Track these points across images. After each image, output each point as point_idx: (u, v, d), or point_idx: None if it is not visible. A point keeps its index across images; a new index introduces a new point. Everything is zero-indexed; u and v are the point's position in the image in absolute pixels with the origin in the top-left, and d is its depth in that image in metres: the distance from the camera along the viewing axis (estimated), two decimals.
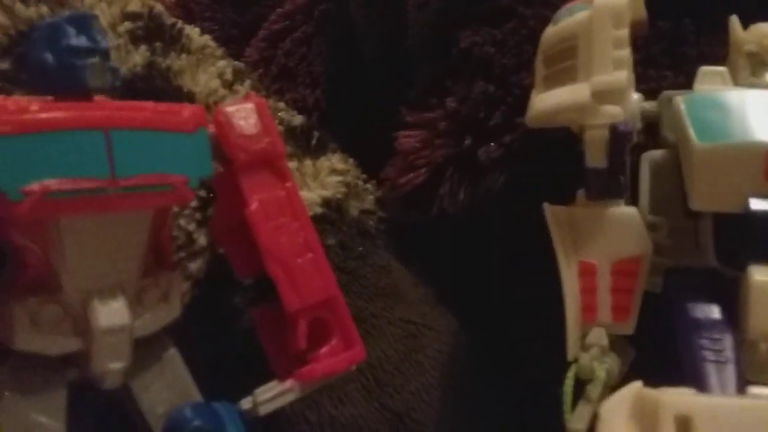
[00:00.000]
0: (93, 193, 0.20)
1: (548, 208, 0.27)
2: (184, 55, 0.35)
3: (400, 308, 0.32)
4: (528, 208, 0.33)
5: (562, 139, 0.31)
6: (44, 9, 0.31)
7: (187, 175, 0.22)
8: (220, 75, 0.36)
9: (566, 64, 0.26)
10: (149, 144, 0.22)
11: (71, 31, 0.21)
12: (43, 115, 0.20)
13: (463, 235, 0.36)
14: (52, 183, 0.19)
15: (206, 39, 0.38)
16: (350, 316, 0.26)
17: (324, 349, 0.25)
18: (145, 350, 0.23)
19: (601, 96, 0.25)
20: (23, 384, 0.21)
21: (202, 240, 0.30)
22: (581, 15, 0.25)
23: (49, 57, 0.21)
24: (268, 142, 0.25)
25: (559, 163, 0.32)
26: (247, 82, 0.37)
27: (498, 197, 0.34)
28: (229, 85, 0.36)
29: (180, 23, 0.37)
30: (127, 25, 0.33)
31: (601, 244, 0.27)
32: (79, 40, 0.21)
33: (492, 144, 0.32)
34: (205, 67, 0.36)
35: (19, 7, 0.30)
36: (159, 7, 0.36)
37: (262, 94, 0.38)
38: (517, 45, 0.33)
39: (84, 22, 0.21)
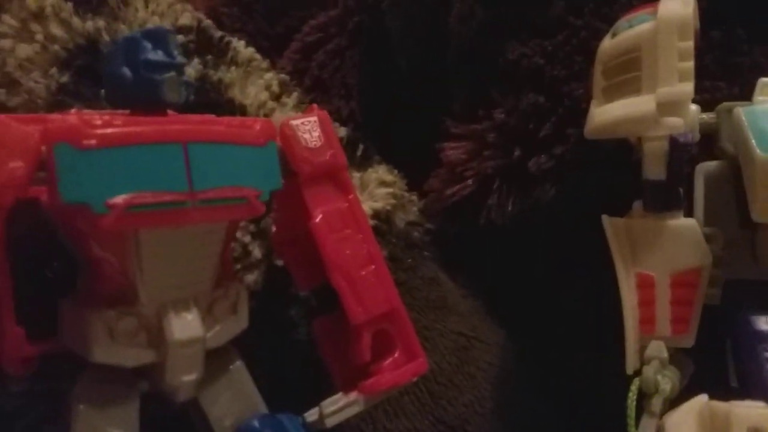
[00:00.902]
0: (172, 206, 0.20)
1: (607, 220, 0.27)
2: (233, 68, 0.35)
3: (452, 320, 0.32)
4: (577, 218, 0.33)
5: (614, 150, 0.31)
6: (101, 23, 0.31)
7: (259, 188, 0.22)
8: (268, 87, 0.36)
9: (628, 75, 0.26)
10: (224, 157, 0.22)
11: (148, 45, 0.21)
12: (127, 129, 0.20)
13: (510, 246, 0.36)
14: (135, 196, 0.20)
15: (252, 51, 0.38)
16: (412, 327, 0.26)
17: (387, 362, 0.25)
18: (213, 362, 0.23)
19: (666, 108, 0.25)
20: (98, 397, 0.21)
21: (257, 252, 0.30)
22: (644, 27, 0.26)
23: (126, 71, 0.21)
24: (332, 155, 0.25)
25: (611, 174, 0.32)
26: (294, 95, 0.37)
27: (546, 208, 0.34)
28: (276, 98, 0.36)
29: (227, 36, 0.37)
30: (180, 38, 0.34)
31: (660, 256, 0.27)
32: (156, 55, 0.21)
33: (543, 155, 0.32)
34: (253, 79, 0.36)
35: (76, 21, 0.31)
36: (207, 20, 0.37)
37: (304, 108, 0.38)
38: (567, 56, 0.33)
39: (160, 37, 0.22)
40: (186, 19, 0.35)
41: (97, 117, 0.20)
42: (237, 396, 0.24)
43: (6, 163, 0.19)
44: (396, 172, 0.38)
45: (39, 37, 0.29)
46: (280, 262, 0.30)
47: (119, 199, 0.19)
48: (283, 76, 0.39)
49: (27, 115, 0.21)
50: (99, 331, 0.21)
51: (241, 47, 0.37)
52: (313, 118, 0.26)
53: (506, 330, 0.35)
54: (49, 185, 0.19)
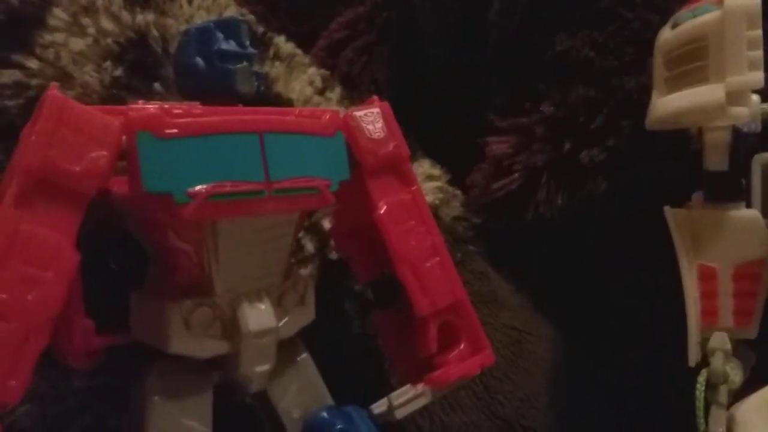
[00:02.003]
0: (250, 195, 0.20)
1: (669, 211, 0.27)
2: (277, 63, 0.35)
3: (504, 315, 0.32)
4: (630, 211, 0.33)
5: (671, 142, 0.31)
6: (150, 17, 0.31)
7: (329, 179, 0.22)
8: (311, 82, 0.36)
9: (693, 65, 0.26)
10: (297, 147, 0.22)
11: (220, 35, 0.21)
12: (206, 119, 0.20)
13: (557, 240, 0.35)
14: (215, 185, 0.19)
15: (293, 46, 0.38)
16: (477, 319, 0.26)
17: (453, 354, 0.25)
18: (281, 354, 0.23)
19: (734, 97, 0.25)
20: (172, 388, 0.21)
21: (309, 246, 0.30)
22: (709, 16, 0.25)
23: (200, 62, 0.21)
24: (395, 146, 0.25)
25: (666, 165, 0.31)
26: (337, 89, 0.37)
27: (597, 200, 0.33)
28: (320, 92, 0.36)
29: (269, 31, 0.37)
30: None
31: (722, 248, 0.27)
32: (229, 45, 0.21)
33: (596, 148, 0.32)
34: (296, 74, 0.36)
35: (125, 15, 0.30)
36: (250, 15, 0.37)
37: (347, 102, 0.38)
38: (619, 48, 0.33)
39: (232, 27, 0.22)
40: (230, 12, 0.35)
41: (176, 106, 0.20)
42: (304, 388, 0.24)
43: (89, 153, 0.19)
44: (439, 166, 0.38)
45: (91, 30, 0.29)
46: (333, 256, 0.30)
47: (200, 188, 0.19)
48: (324, 71, 0.39)
49: (104, 105, 0.21)
50: (175, 322, 0.21)
51: (282, 42, 0.37)
52: (376, 110, 0.25)
53: (555, 325, 0.34)
54: (131, 175, 0.19)
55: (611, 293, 0.34)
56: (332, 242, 0.30)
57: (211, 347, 0.21)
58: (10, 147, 0.26)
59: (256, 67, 0.22)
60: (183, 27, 0.32)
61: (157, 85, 0.29)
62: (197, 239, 0.21)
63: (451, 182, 0.39)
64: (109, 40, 0.29)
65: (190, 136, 0.19)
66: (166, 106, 0.20)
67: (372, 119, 0.25)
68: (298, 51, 0.38)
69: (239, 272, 0.21)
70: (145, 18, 0.30)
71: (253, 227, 0.21)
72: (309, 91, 0.35)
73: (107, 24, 0.30)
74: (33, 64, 0.27)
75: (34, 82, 0.27)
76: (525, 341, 0.32)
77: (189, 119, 0.20)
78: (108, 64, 0.28)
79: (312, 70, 0.37)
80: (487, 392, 0.30)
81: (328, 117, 0.23)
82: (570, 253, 0.35)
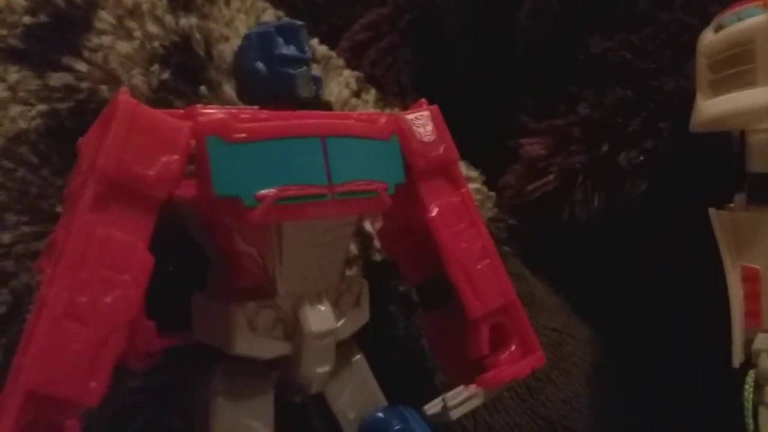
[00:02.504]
0: (314, 199, 0.20)
1: (714, 213, 0.27)
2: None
3: (544, 316, 0.32)
4: (667, 212, 0.33)
5: (708, 144, 0.31)
6: (193, 20, 0.31)
7: (386, 182, 0.23)
8: (347, 84, 0.36)
9: (739, 69, 0.26)
10: (357, 151, 0.22)
11: (281, 40, 0.22)
12: (272, 123, 0.20)
13: (593, 242, 0.35)
14: (282, 189, 0.20)
15: (326, 48, 0.38)
16: (528, 321, 0.26)
17: (504, 355, 0.25)
18: (337, 355, 0.23)
19: None
20: (236, 389, 0.21)
21: (353, 248, 0.30)
22: (755, 20, 0.25)
23: (261, 66, 0.21)
24: (445, 149, 0.25)
25: (706, 167, 0.32)
26: (372, 91, 0.37)
27: (634, 202, 0.34)
28: (356, 94, 0.36)
29: None
30: None
31: (766, 249, 0.27)
32: (289, 50, 0.22)
33: (634, 150, 0.32)
34: (332, 76, 0.36)
35: (169, 19, 0.31)
36: (286, 18, 0.37)
37: (381, 104, 0.38)
38: (656, 50, 0.33)
39: (293, 32, 0.22)
40: (268, 16, 0.35)
41: (243, 111, 0.20)
42: (359, 389, 0.24)
43: (160, 157, 0.19)
44: (473, 167, 0.38)
45: (137, 34, 0.29)
46: (377, 257, 0.30)
47: (269, 192, 0.19)
48: (357, 73, 0.39)
49: (168, 109, 0.21)
50: (240, 324, 0.21)
51: (316, 44, 0.37)
52: (426, 113, 0.26)
53: (591, 326, 0.35)
54: (199, 178, 0.19)
55: (647, 294, 0.34)
56: (375, 244, 0.30)
57: (275, 348, 0.21)
58: (63, 150, 0.26)
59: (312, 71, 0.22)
60: (224, 30, 0.32)
61: (202, 88, 0.29)
62: (261, 242, 0.21)
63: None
64: (156, 44, 0.29)
65: (257, 141, 0.20)
66: (234, 110, 0.20)
67: (422, 122, 0.25)
68: (332, 53, 0.38)
69: (301, 274, 0.22)
70: (188, 21, 0.31)
71: (315, 230, 0.22)
72: (346, 93, 0.35)
73: (152, 27, 0.30)
74: (82, 66, 0.28)
75: (83, 85, 0.27)
76: (565, 343, 0.32)
77: (256, 124, 0.20)
78: (156, 67, 0.28)
79: (347, 73, 0.37)
80: (530, 393, 0.30)
81: (384, 120, 0.23)
82: (605, 254, 0.35)
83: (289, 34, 0.22)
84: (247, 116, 0.20)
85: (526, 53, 0.41)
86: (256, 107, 0.22)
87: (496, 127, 0.41)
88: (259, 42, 0.22)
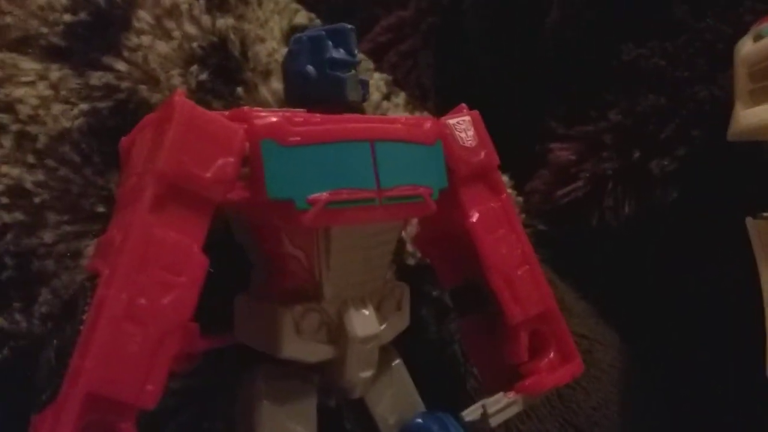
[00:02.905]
0: (363, 203, 0.20)
1: (750, 222, 0.27)
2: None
3: (573, 322, 0.32)
4: (697, 220, 0.33)
5: (741, 152, 0.31)
6: (230, 21, 0.31)
7: (431, 186, 0.23)
8: (377, 87, 0.36)
9: None
10: (404, 155, 0.22)
11: (331, 44, 0.22)
12: (325, 127, 0.20)
13: (622, 247, 0.35)
14: (334, 193, 0.20)
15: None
16: (567, 328, 0.26)
17: (543, 362, 0.25)
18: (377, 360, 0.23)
19: None
20: (280, 392, 0.21)
21: None
22: None
23: (311, 70, 0.21)
24: (486, 154, 0.25)
25: (738, 175, 0.32)
26: (402, 95, 0.37)
27: (664, 208, 0.34)
28: (387, 97, 0.36)
29: None
30: None
31: None
32: (339, 53, 0.22)
33: (666, 157, 0.32)
34: None
35: (206, 19, 0.31)
36: (317, 20, 0.37)
37: (410, 107, 0.38)
38: (690, 58, 0.33)
39: (343, 35, 0.22)
40: (301, 18, 0.35)
41: (297, 114, 0.20)
42: (399, 394, 0.24)
43: (217, 159, 0.19)
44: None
45: (176, 34, 0.29)
46: (410, 262, 0.30)
47: (321, 195, 0.19)
48: (386, 75, 0.39)
49: (220, 111, 0.21)
50: (287, 327, 0.21)
51: None
52: (467, 117, 0.26)
53: (619, 332, 0.35)
54: (253, 181, 0.19)
55: (677, 300, 0.34)
56: (408, 248, 0.30)
57: (320, 352, 0.21)
58: (104, 149, 0.26)
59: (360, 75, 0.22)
60: (259, 31, 0.32)
61: (239, 90, 0.29)
62: (309, 245, 0.21)
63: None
64: (194, 44, 0.29)
65: (310, 144, 0.20)
66: (286, 113, 0.20)
67: (464, 127, 0.25)
68: (362, 55, 0.38)
69: (346, 278, 0.22)
70: (225, 22, 0.31)
71: (362, 234, 0.22)
72: (377, 96, 0.35)
73: (190, 28, 0.30)
74: (122, 66, 0.28)
75: (123, 84, 0.27)
76: (594, 350, 0.32)
77: (310, 127, 0.20)
78: (194, 68, 0.28)
79: (377, 75, 0.37)
80: (561, 401, 0.30)
81: (429, 125, 0.23)
82: (634, 259, 0.35)
83: (339, 37, 0.22)
84: (300, 119, 0.20)
85: (554, 59, 0.41)
86: (302, 110, 0.22)
87: (520, 132, 0.41)
88: (310, 45, 0.22)
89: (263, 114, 0.20)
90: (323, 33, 0.22)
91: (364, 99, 0.22)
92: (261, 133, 0.19)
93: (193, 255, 0.18)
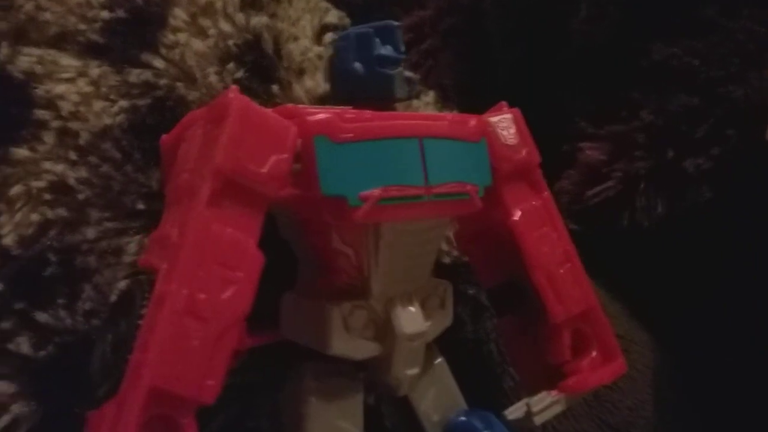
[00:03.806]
0: (412, 200, 0.20)
1: None
2: None
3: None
4: (732, 220, 0.33)
5: None
6: (264, 19, 0.31)
7: (477, 184, 0.22)
8: None
9: None
10: (451, 153, 0.22)
11: (378, 41, 0.22)
12: (376, 123, 0.20)
13: (654, 247, 0.35)
14: (385, 189, 0.20)
15: None
16: (610, 327, 0.26)
17: (585, 361, 0.25)
18: None
19: None
20: (328, 390, 0.21)
21: None
22: None
23: (359, 66, 0.21)
24: (527, 152, 0.25)
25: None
26: (431, 93, 0.37)
27: (696, 208, 0.33)
28: (417, 95, 0.36)
29: None
30: (329, 36, 0.34)
31: None
32: (386, 50, 0.22)
33: (701, 156, 0.32)
34: None
35: (240, 17, 0.31)
36: (347, 18, 0.37)
37: (439, 106, 0.38)
38: (723, 58, 0.33)
39: (389, 33, 0.22)
40: (332, 17, 0.35)
41: (348, 111, 0.20)
42: (442, 391, 0.24)
43: (272, 155, 0.19)
44: None
45: (212, 32, 0.29)
46: (446, 260, 0.30)
47: (374, 192, 0.19)
48: (415, 74, 0.39)
49: (271, 108, 0.21)
50: (336, 324, 0.21)
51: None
52: (509, 115, 0.25)
53: (651, 333, 0.35)
54: (306, 178, 0.19)
55: (708, 302, 0.34)
56: (444, 247, 0.30)
57: (367, 349, 0.21)
58: (144, 146, 0.26)
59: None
60: (292, 30, 0.32)
61: (274, 87, 0.29)
62: (358, 242, 0.21)
63: None
64: (230, 42, 0.29)
65: (362, 141, 0.20)
66: (338, 110, 0.20)
67: (506, 125, 0.25)
68: None
69: (394, 275, 0.22)
70: (259, 20, 0.31)
71: (410, 231, 0.22)
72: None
73: (225, 26, 0.30)
74: (159, 63, 0.28)
75: (162, 81, 0.27)
76: (631, 350, 0.32)
77: (361, 124, 0.20)
78: (231, 65, 0.28)
79: (406, 74, 0.37)
80: (597, 401, 0.30)
81: (474, 123, 0.23)
82: (665, 260, 0.35)
83: (386, 34, 0.22)
84: (351, 116, 0.20)
85: (580, 58, 0.41)
86: (350, 107, 0.22)
87: (543, 132, 0.41)
88: (357, 43, 0.22)
89: (314, 111, 0.20)
90: (371, 30, 0.22)
91: (412, 96, 0.22)
92: (314, 129, 0.19)
93: (249, 250, 0.18)
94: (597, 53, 0.39)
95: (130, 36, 0.28)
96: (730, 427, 0.33)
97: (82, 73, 0.26)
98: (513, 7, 0.47)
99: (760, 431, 0.33)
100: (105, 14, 0.28)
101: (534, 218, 0.25)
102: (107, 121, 0.25)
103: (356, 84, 0.22)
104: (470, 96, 0.52)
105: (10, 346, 0.24)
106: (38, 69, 0.26)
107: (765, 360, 0.33)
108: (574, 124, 0.39)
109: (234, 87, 0.19)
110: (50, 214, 0.24)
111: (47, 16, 0.28)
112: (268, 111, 0.19)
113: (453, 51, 0.54)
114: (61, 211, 0.24)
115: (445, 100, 0.53)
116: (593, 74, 0.40)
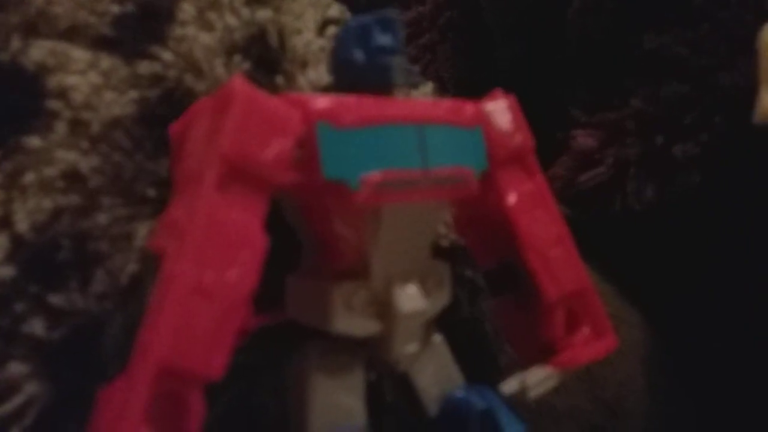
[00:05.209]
0: (411, 184, 0.21)
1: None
2: None
3: None
4: (719, 205, 0.34)
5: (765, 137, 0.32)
6: (269, 13, 0.32)
7: (473, 168, 0.23)
8: None
9: None
10: (448, 138, 0.23)
11: (378, 31, 0.22)
12: (377, 110, 0.21)
13: (645, 231, 0.36)
14: (386, 173, 0.21)
15: None
16: (602, 305, 0.27)
17: (577, 338, 0.26)
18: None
19: None
20: (330, 365, 0.22)
21: None
22: None
23: (360, 55, 0.22)
24: (522, 138, 0.26)
25: (759, 161, 0.33)
26: (430, 84, 0.38)
27: (687, 193, 0.34)
28: (415, 86, 0.37)
29: None
30: (332, 29, 0.35)
31: None
32: (386, 40, 0.22)
33: (689, 142, 0.33)
34: None
35: (245, 11, 0.31)
36: (348, 12, 0.38)
37: (438, 96, 0.39)
38: (713, 46, 0.34)
39: (388, 23, 0.23)
40: (334, 11, 0.36)
41: (348, 98, 0.21)
42: (440, 368, 0.25)
43: (275, 141, 0.20)
44: None
45: (219, 25, 0.30)
46: (444, 243, 0.31)
47: (374, 176, 0.20)
48: (413, 66, 0.40)
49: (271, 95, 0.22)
50: (338, 303, 0.22)
51: None
52: (504, 102, 0.26)
53: (642, 313, 0.36)
54: (308, 163, 0.20)
55: (698, 284, 0.35)
56: (441, 230, 0.31)
57: (369, 326, 0.22)
58: (154, 135, 0.27)
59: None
60: (296, 23, 0.33)
61: (279, 79, 0.30)
62: (361, 225, 0.22)
63: None
64: (236, 35, 0.30)
65: (363, 127, 0.21)
66: (340, 98, 0.21)
67: (501, 112, 0.26)
68: None
69: (394, 256, 0.23)
70: (264, 15, 0.32)
71: (409, 214, 0.23)
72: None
73: (231, 19, 0.31)
74: (168, 56, 0.28)
75: (170, 73, 0.28)
76: (620, 328, 0.33)
77: (363, 110, 0.21)
78: (237, 58, 0.29)
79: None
80: (589, 376, 0.31)
81: (471, 109, 0.24)
82: (656, 243, 0.36)
83: (385, 24, 0.23)
84: (352, 103, 0.21)
85: (576, 49, 0.42)
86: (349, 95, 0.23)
87: (538, 122, 0.42)
88: (357, 32, 0.23)
89: (316, 98, 0.21)
90: (371, 20, 0.22)
91: (415, 86, 0.23)
92: (316, 115, 0.20)
93: (254, 233, 0.19)
94: (591, 43, 0.40)
95: (139, 30, 0.29)
96: (722, 411, 0.34)
97: (92, 65, 0.27)
98: (511, 3, 0.48)
99: (753, 417, 0.34)
100: (115, 8, 0.29)
101: (528, 201, 0.26)
102: (118, 111, 0.26)
103: (357, 73, 0.22)
104: (468, 90, 0.53)
105: (24, 328, 0.25)
106: (50, 61, 0.27)
107: (756, 345, 0.34)
108: (568, 114, 0.40)
109: (239, 74, 0.20)
110: (63, 200, 0.25)
111: (58, 10, 0.29)
112: (273, 98, 0.20)
113: (451, 45, 0.55)
114: (74, 198, 0.25)
115: (443, 93, 0.54)
116: (588, 64, 0.41)
